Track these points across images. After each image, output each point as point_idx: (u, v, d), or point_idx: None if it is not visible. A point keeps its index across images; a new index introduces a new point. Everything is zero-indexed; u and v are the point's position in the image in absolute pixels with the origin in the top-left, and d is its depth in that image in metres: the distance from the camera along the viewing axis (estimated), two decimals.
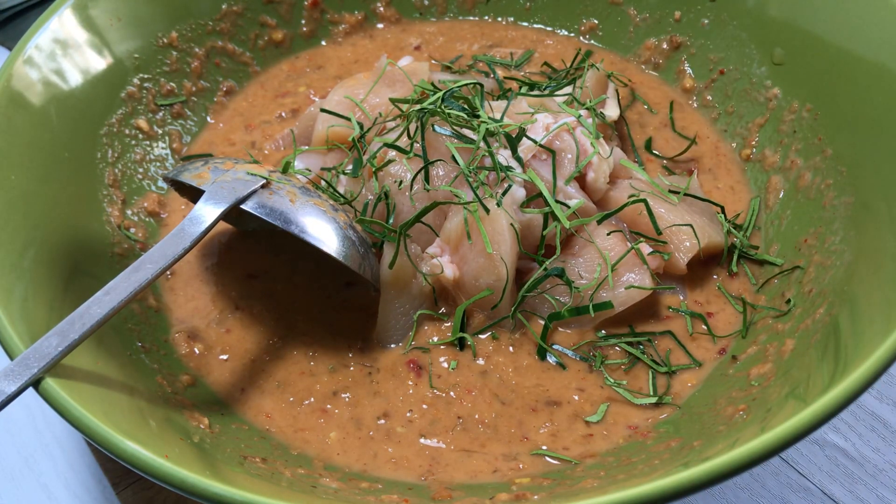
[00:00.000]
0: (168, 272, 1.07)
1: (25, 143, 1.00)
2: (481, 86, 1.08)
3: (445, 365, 0.98)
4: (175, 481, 0.70)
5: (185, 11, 1.27)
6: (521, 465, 0.89)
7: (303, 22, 1.38)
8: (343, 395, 0.96)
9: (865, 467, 1.05)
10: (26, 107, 1.03)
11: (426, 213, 0.98)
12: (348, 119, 1.10)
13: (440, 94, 1.05)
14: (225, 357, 1.00)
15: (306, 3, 1.37)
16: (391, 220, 1.01)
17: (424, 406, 0.95)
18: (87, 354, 0.83)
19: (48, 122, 1.05)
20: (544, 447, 0.91)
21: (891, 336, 0.74)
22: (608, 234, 1.01)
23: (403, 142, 1.03)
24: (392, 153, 1.03)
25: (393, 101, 1.08)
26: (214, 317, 1.04)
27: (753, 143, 1.17)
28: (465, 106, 1.04)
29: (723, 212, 1.09)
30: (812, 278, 0.96)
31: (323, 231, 0.94)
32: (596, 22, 1.38)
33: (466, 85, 1.08)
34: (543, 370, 0.97)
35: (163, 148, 1.21)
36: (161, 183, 1.18)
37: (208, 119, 1.28)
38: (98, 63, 1.15)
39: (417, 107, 1.03)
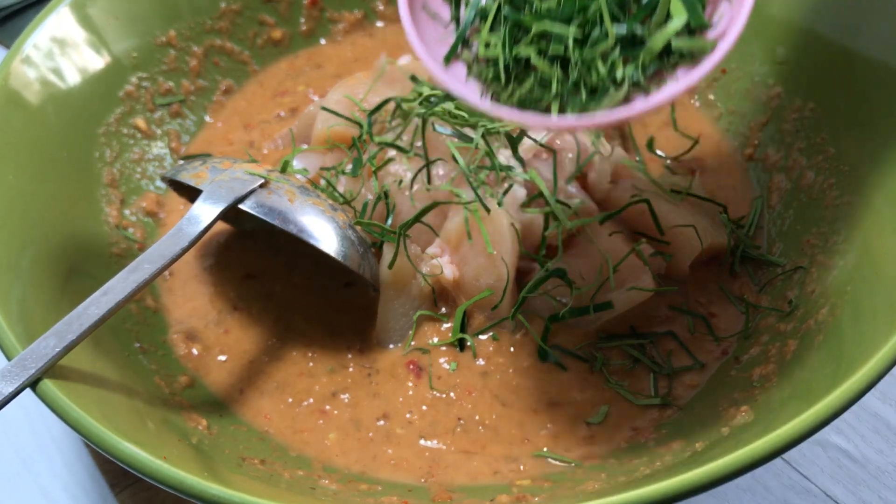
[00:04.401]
0: (166, 272, 1.07)
1: (23, 143, 1.00)
2: None
3: (445, 366, 0.97)
4: (173, 483, 0.70)
5: (184, 10, 1.26)
6: (521, 467, 0.89)
7: (302, 20, 1.38)
8: (342, 397, 0.96)
9: (868, 469, 1.04)
10: (24, 106, 1.02)
11: (426, 213, 0.98)
12: (349, 118, 1.10)
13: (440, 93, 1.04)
14: (223, 358, 1.00)
15: (305, 1, 1.37)
16: (391, 220, 1.00)
17: (424, 407, 0.94)
18: (84, 355, 0.83)
19: (46, 122, 1.04)
20: (545, 449, 0.90)
21: (894, 337, 0.73)
22: (610, 235, 1.00)
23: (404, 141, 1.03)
24: (392, 152, 1.02)
25: (397, 100, 1.08)
26: (213, 317, 1.03)
27: (756, 142, 1.17)
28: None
29: (725, 212, 1.09)
30: (814, 279, 0.96)
31: (322, 231, 0.93)
32: None
33: None
34: (544, 371, 0.97)
35: (161, 147, 1.21)
36: (159, 182, 1.17)
37: (207, 118, 1.28)
38: (96, 62, 1.14)
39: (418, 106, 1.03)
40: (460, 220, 0.97)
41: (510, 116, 0.74)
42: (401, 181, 1.00)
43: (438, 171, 1.01)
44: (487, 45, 0.76)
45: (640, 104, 0.72)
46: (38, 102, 1.04)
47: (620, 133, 1.20)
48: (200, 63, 1.28)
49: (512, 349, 0.99)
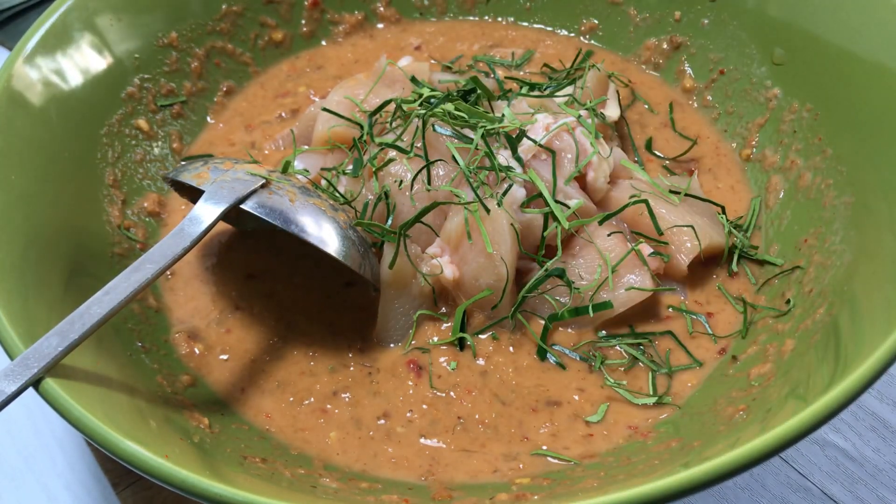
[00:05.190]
0: (168, 272, 1.07)
1: (26, 143, 1.00)
2: (483, 87, 1.08)
3: (445, 365, 0.98)
4: (175, 481, 0.70)
5: (185, 11, 1.27)
6: (521, 465, 0.89)
7: (303, 22, 1.38)
8: (343, 395, 0.96)
9: (865, 467, 1.05)
10: (26, 107, 1.03)
11: (426, 213, 0.98)
12: (350, 119, 1.10)
13: (440, 94, 1.05)
14: (225, 357, 1.00)
15: (306, 3, 1.37)
16: (391, 220, 1.01)
17: (424, 406, 0.95)
18: (87, 354, 0.83)
19: (48, 122, 1.05)
20: (544, 447, 0.91)
21: (891, 336, 0.74)
22: (609, 235, 1.01)
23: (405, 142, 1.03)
24: (392, 153, 1.03)
25: (398, 101, 1.08)
26: (214, 317, 1.04)
27: (753, 143, 1.17)
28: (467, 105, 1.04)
29: (723, 212, 1.10)
30: (812, 278, 0.96)
31: (323, 231, 0.94)
32: (596, 22, 1.38)
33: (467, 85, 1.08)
34: (543, 370, 0.97)
35: (163, 148, 1.21)
36: (161, 183, 1.18)
37: (208, 119, 1.28)
38: (98, 63, 1.15)
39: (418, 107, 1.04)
40: (460, 221, 0.98)
41: None
42: (401, 182, 1.01)
43: (438, 171, 1.01)
44: None
45: None
46: (40, 103, 1.04)
47: (619, 134, 1.21)
48: (202, 64, 1.28)
49: (511, 348, 0.99)
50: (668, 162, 1.20)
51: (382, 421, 0.94)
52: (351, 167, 1.06)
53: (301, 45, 1.38)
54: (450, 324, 1.01)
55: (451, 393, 0.96)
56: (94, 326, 0.80)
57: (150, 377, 0.93)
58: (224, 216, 0.92)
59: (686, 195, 1.07)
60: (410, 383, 0.97)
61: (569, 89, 1.16)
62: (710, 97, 1.25)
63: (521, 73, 1.33)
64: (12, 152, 0.98)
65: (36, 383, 0.76)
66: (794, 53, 1.14)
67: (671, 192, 1.06)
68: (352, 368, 0.98)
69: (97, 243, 1.05)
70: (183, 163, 1.19)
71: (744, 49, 1.21)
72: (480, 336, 1.00)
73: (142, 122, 1.19)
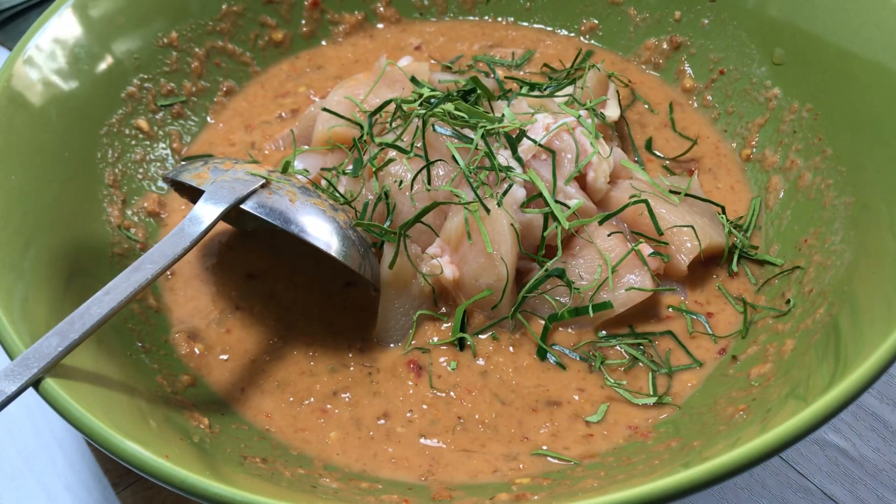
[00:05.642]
0: (168, 272, 1.07)
1: (26, 143, 1.00)
2: (483, 87, 1.08)
3: (445, 365, 0.98)
4: (175, 481, 0.70)
5: (185, 11, 1.27)
6: (521, 465, 0.89)
7: (303, 22, 1.38)
8: (343, 395, 0.96)
9: (865, 467, 1.05)
10: (26, 107, 1.03)
11: (426, 213, 0.98)
12: (350, 119, 1.10)
13: (441, 94, 1.05)
14: (225, 357, 1.00)
15: (306, 3, 1.37)
16: (391, 220, 1.01)
17: (424, 406, 0.95)
18: (87, 354, 0.83)
19: (48, 122, 1.05)
20: (544, 447, 0.91)
21: (891, 336, 0.74)
22: (609, 235, 1.01)
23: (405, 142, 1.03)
24: (392, 153, 1.03)
25: (398, 101, 1.08)
26: (214, 317, 1.04)
27: (753, 143, 1.17)
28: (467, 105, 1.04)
29: (723, 212, 1.10)
30: (812, 278, 0.96)
31: (323, 231, 0.94)
32: (596, 22, 1.38)
33: (466, 85, 1.08)
34: (543, 370, 0.97)
35: (163, 148, 1.21)
36: (161, 183, 1.18)
37: (208, 119, 1.28)
38: (98, 63, 1.15)
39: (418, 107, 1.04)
40: (460, 221, 0.98)
41: None
42: (401, 182, 1.01)
43: (438, 171, 1.01)
44: None
45: None
46: (40, 103, 1.04)
47: (619, 134, 1.21)
48: (202, 64, 1.28)
49: (511, 348, 0.99)
50: (668, 162, 1.20)
51: (382, 421, 0.94)
52: (351, 167, 1.06)
53: (301, 45, 1.38)
54: (450, 324, 1.01)
55: (451, 393, 0.96)
56: (94, 326, 0.80)
57: (150, 377, 0.93)
58: (224, 216, 0.92)
59: (686, 195, 1.07)
60: (410, 383, 0.97)
61: (569, 89, 1.16)
62: (710, 97, 1.25)
63: (521, 73, 1.33)
64: (12, 152, 0.98)
65: (36, 383, 0.76)
66: (794, 53, 1.14)
67: (671, 192, 1.06)
68: (352, 368, 0.98)
69: (97, 243, 1.05)
70: (183, 163, 1.19)
71: (744, 49, 1.21)
72: (480, 336, 1.00)
73: (142, 122, 1.19)
